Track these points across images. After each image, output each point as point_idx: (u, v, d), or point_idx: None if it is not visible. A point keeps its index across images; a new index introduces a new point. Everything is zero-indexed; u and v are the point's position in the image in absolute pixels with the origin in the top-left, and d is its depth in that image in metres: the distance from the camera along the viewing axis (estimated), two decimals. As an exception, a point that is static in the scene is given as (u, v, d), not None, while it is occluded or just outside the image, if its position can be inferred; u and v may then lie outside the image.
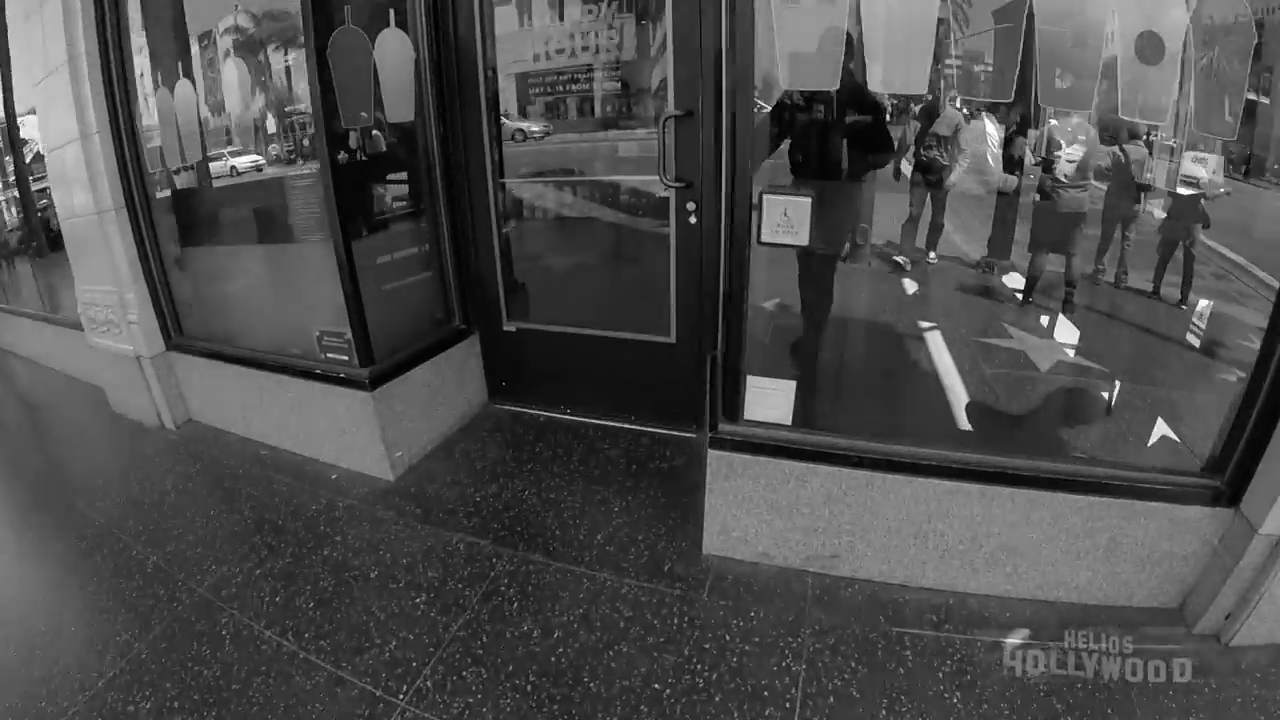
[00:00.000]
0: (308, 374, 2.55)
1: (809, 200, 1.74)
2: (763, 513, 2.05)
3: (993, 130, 2.72)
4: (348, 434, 2.55)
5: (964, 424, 2.31)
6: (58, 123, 2.93)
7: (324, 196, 2.24)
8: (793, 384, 2.00)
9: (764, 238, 1.80)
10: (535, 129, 2.78)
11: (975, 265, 2.64)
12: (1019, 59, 1.68)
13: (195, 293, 3.01)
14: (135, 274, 2.94)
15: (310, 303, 2.54)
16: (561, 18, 2.47)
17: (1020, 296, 2.55)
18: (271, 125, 2.61)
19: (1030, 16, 1.54)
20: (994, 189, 2.62)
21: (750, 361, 2.02)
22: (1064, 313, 2.40)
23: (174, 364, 3.05)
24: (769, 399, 2.01)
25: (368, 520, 2.42)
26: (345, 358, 2.46)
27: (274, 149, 2.64)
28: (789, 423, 2.01)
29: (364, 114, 2.32)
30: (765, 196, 1.77)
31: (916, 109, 2.43)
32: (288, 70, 2.36)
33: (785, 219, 1.76)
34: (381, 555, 2.25)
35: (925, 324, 2.51)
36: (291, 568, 2.23)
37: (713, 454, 2.03)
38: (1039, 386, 2.33)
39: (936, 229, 2.61)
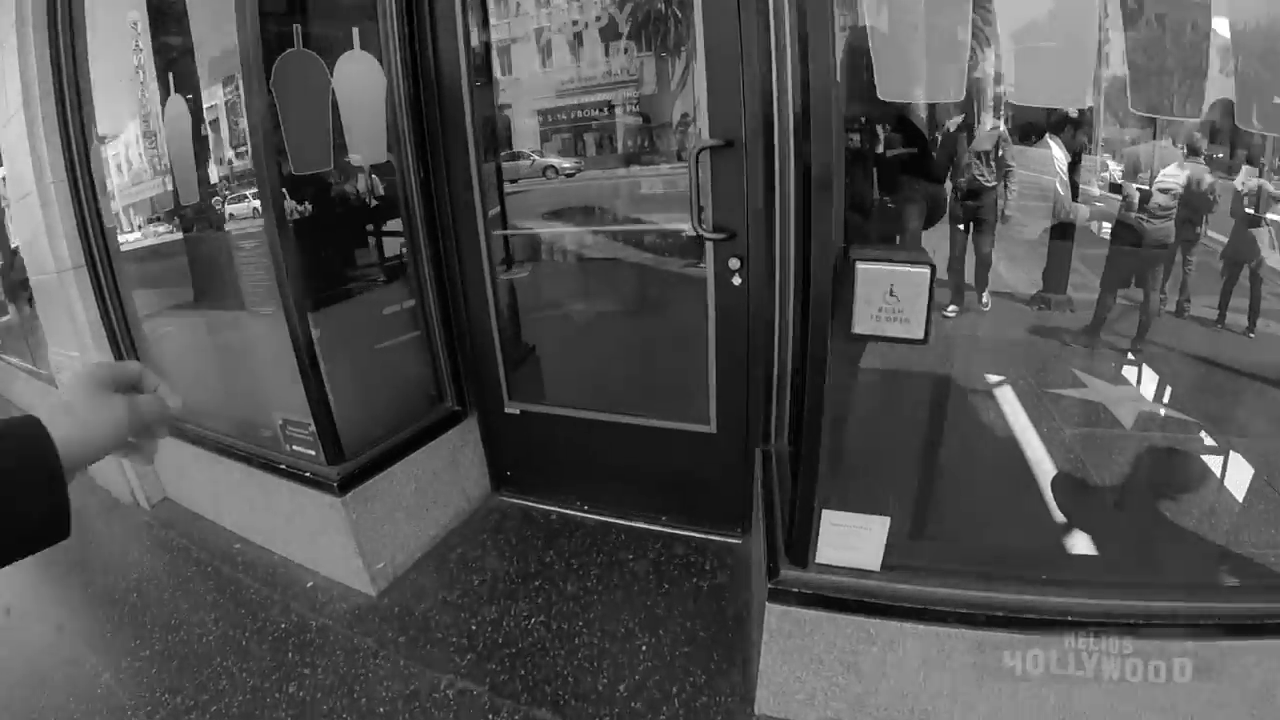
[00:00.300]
0: (272, 467, 2.13)
1: (927, 272, 1.18)
2: (836, 675, 1.53)
3: (1060, 155, 2.45)
4: (321, 538, 2.12)
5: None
6: (19, 170, 2.59)
7: (271, 260, 1.80)
8: (885, 521, 1.45)
9: (858, 327, 1.25)
10: (566, 165, 2.41)
11: (1030, 302, 2.26)
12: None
13: (166, 358, 2.64)
14: (98, 338, 2.58)
15: (271, 383, 2.11)
16: (580, 49, 2.11)
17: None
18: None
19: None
20: (1063, 220, 2.28)
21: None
22: (1134, 353, 2.11)
23: (145, 438, 2.70)
24: (850, 539, 1.47)
25: (342, 648, 1.99)
26: (311, 452, 2.02)
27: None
28: (876, 567, 1.48)
29: (319, 156, 1.87)
30: (860, 266, 1.21)
31: (952, 125, 2.00)
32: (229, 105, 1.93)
33: (891, 300, 1.21)
34: (356, 699, 1.82)
35: (993, 378, 2.07)
36: (250, 708, 1.83)
37: (772, 608, 1.52)
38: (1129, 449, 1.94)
39: (985, 264, 2.17)
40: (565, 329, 2.65)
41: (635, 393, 2.34)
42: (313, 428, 1.96)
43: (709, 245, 1.87)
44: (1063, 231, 2.29)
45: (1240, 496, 1.82)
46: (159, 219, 2.39)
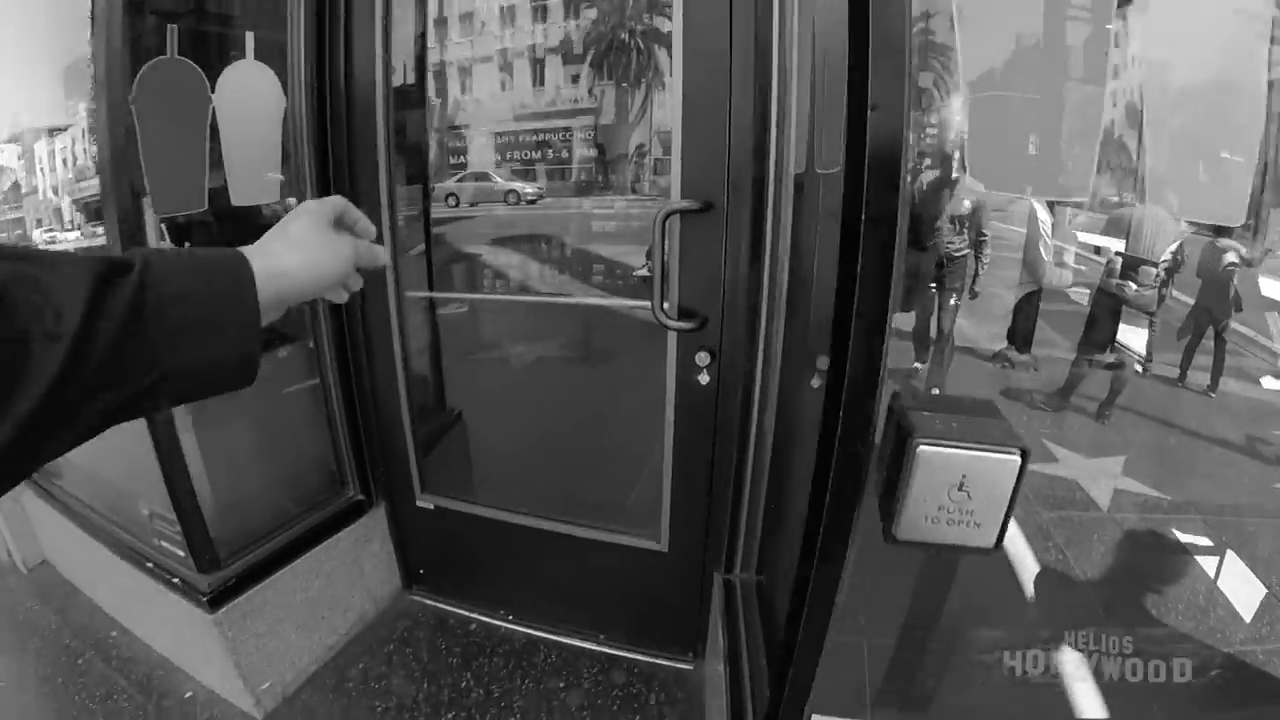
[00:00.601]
0: (140, 563, 1.76)
1: (1018, 460, 0.79)
2: None
3: (1044, 215, 2.23)
4: (197, 647, 1.76)
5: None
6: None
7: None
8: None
9: (904, 532, 0.83)
10: (529, 190, 2.12)
11: (993, 359, 2.00)
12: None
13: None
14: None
15: (143, 465, 1.73)
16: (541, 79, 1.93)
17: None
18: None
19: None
20: (1043, 284, 2.10)
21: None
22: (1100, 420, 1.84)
23: (21, 494, 2.32)
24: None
25: (217, 783, 1.65)
26: (181, 553, 1.65)
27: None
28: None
29: (188, 195, 1.48)
30: (923, 450, 0.79)
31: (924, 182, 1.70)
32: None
33: (959, 496, 0.81)
34: None
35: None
36: None
37: None
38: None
39: (945, 339, 1.85)
40: (500, 382, 2.28)
41: (575, 490, 1.98)
42: (179, 526, 1.58)
43: (671, 335, 1.50)
44: (1038, 294, 2.08)
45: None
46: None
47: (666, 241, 1.44)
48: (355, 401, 1.85)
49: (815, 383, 1.51)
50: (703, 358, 1.48)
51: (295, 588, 1.75)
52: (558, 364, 2.29)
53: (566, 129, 1.95)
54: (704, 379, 1.49)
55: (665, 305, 1.45)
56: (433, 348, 2.09)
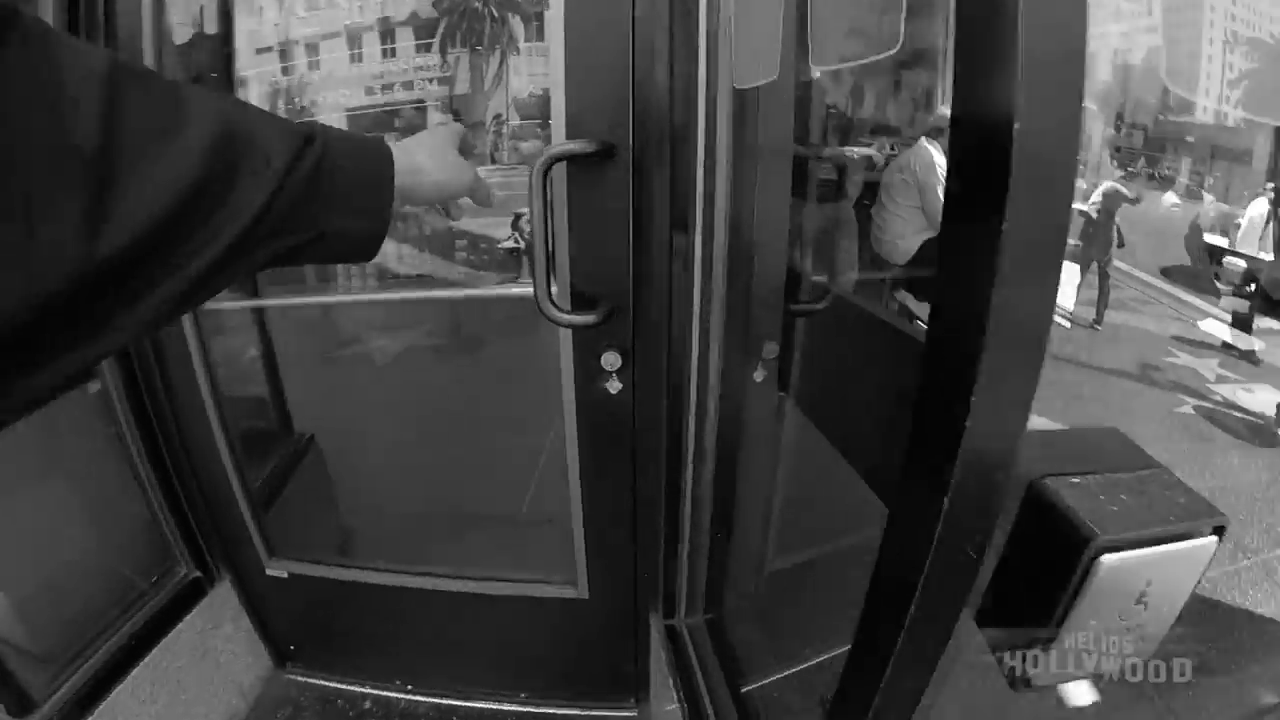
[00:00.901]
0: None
1: (1214, 541, 0.46)
2: None
3: (940, 160, 2.44)
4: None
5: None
6: None
7: None
8: None
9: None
10: None
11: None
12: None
13: None
14: None
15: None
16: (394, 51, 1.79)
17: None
18: None
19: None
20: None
21: None
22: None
23: None
24: None
25: None
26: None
27: None
28: None
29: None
30: (1107, 562, 0.44)
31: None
32: None
33: (1134, 612, 0.48)
34: None
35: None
36: None
37: None
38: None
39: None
40: (360, 386, 1.84)
41: (468, 521, 1.59)
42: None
43: (565, 331, 1.10)
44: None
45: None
46: None
47: (551, 203, 1.02)
48: (164, 456, 1.37)
49: (759, 376, 1.17)
50: (611, 359, 1.09)
51: (138, 709, 1.28)
52: (428, 355, 1.85)
53: (420, 101, 1.84)
54: (615, 387, 1.11)
55: (553, 291, 1.04)
56: (266, 359, 1.61)
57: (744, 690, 1.17)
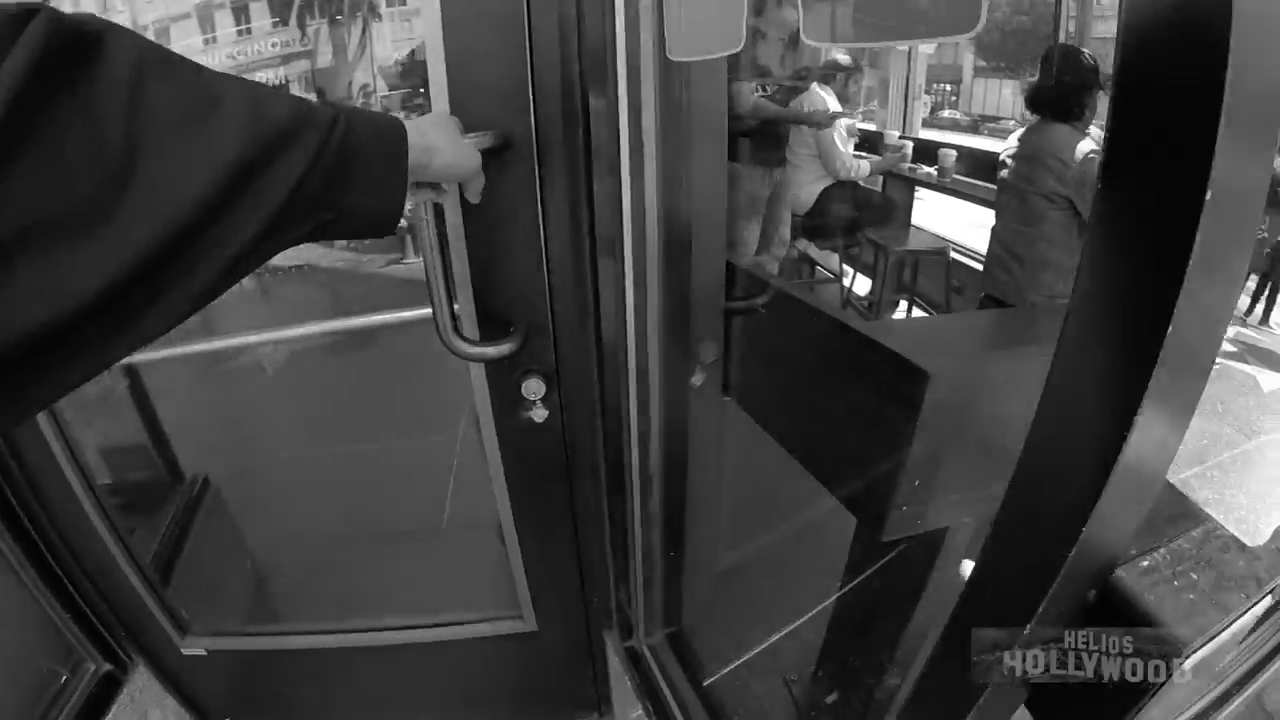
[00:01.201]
0: None
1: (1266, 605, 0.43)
2: None
3: (834, 104, 2.56)
4: None
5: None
6: None
7: None
8: None
9: None
10: None
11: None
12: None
13: None
14: None
15: None
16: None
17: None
18: None
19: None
20: (841, 179, 2.62)
21: None
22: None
23: None
24: None
25: None
26: None
27: None
28: None
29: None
30: (1189, 664, 0.39)
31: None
32: None
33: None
34: None
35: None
36: None
37: None
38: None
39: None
40: (249, 403, 1.57)
41: (388, 552, 1.42)
42: None
43: (475, 367, 0.93)
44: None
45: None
46: None
47: (437, 214, 0.82)
48: (43, 553, 1.11)
49: (697, 380, 1.08)
50: (534, 387, 0.94)
51: None
52: (319, 354, 1.60)
53: (282, 79, 1.64)
54: (540, 415, 0.97)
55: (456, 314, 0.85)
56: (138, 400, 1.31)
57: (714, 697, 1.14)
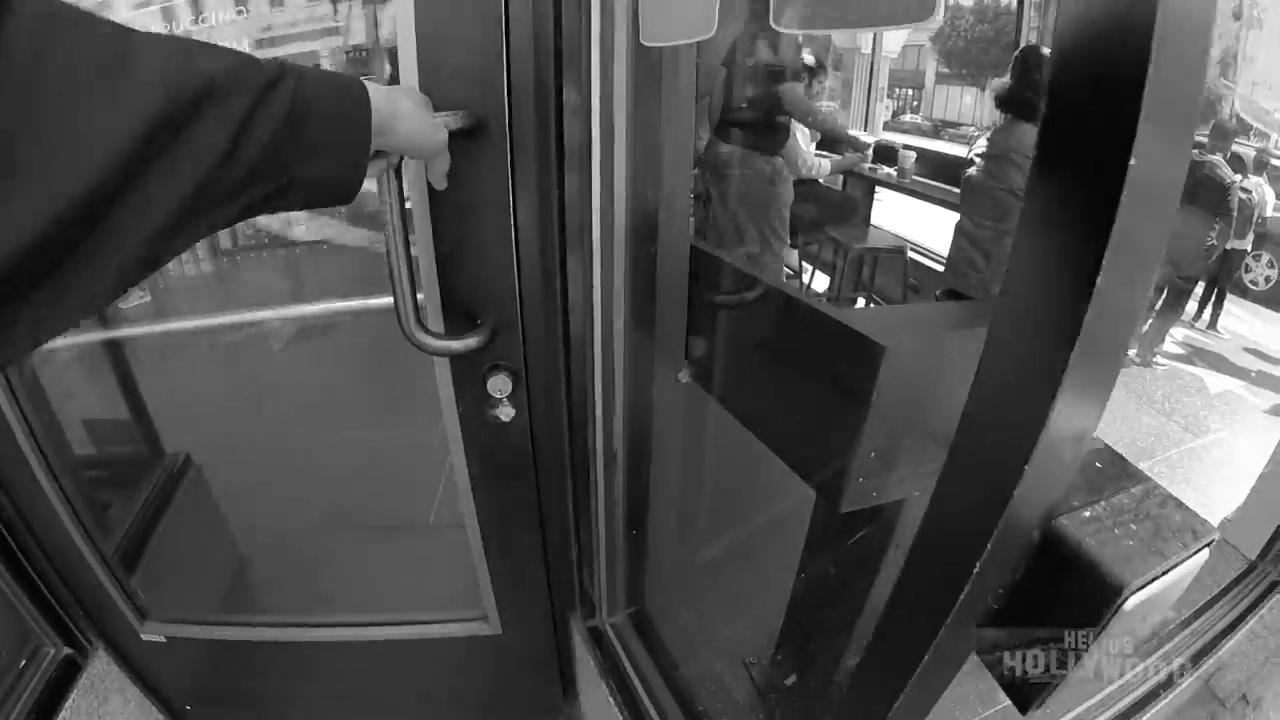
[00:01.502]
0: None
1: (1206, 554, 0.44)
2: None
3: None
4: None
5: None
6: None
7: None
8: None
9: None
10: None
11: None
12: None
13: None
14: None
15: None
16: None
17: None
18: None
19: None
20: (804, 176, 2.70)
21: None
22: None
23: None
24: None
25: None
26: None
27: None
28: None
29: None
30: (1131, 602, 0.40)
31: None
32: None
33: (1139, 631, 0.45)
34: None
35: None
36: None
37: None
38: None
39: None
40: (245, 380, 1.55)
41: (369, 545, 1.39)
42: None
43: (440, 362, 0.90)
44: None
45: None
46: None
47: (404, 198, 0.79)
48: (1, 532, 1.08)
49: (684, 377, 1.04)
50: (500, 384, 0.90)
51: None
52: (327, 334, 1.57)
53: (314, 54, 1.53)
54: (507, 413, 0.93)
55: (419, 305, 0.82)
56: (117, 366, 1.29)
57: (677, 673, 1.11)
